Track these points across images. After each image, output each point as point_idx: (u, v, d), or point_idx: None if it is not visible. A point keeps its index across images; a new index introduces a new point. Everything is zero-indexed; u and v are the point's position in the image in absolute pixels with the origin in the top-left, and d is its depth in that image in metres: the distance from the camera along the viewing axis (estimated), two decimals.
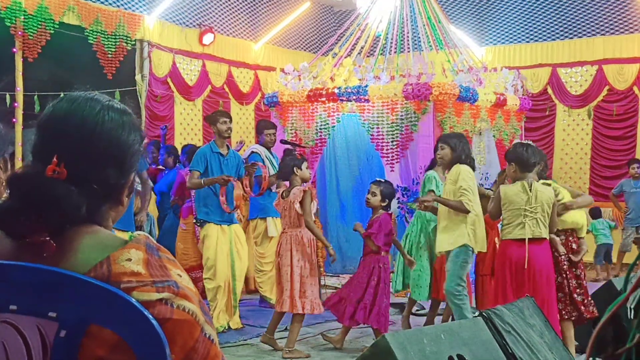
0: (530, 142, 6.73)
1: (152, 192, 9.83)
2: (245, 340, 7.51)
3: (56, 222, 1.40)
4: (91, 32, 10.94)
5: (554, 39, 13.81)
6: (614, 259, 12.12)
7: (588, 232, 11.96)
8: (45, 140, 1.51)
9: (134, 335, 1.32)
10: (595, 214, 11.66)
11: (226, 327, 7.79)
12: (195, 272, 9.19)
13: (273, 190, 8.80)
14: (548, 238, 6.40)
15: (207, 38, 12.78)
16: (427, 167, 8.04)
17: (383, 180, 7.47)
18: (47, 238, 1.39)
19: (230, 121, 8.01)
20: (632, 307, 1.21)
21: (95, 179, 1.48)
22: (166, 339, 1.33)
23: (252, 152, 8.97)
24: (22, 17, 10.04)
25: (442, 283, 7.56)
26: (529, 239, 6.30)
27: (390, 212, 7.40)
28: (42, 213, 1.39)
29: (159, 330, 1.32)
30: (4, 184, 2.37)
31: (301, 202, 6.94)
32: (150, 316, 1.32)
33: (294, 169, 6.99)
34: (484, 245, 6.87)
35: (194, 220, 8.29)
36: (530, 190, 6.31)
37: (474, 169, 6.95)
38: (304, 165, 7.09)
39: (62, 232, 1.42)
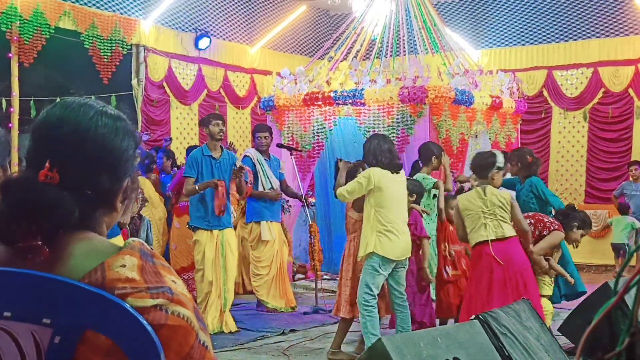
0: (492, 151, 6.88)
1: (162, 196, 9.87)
2: (241, 344, 7.50)
3: (49, 227, 1.40)
4: (87, 36, 10.95)
5: (549, 42, 13.84)
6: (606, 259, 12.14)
7: (609, 226, 11.97)
8: (39, 146, 1.51)
9: (128, 341, 1.32)
10: (623, 210, 11.55)
11: (215, 332, 7.76)
12: (188, 274, 9.22)
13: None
14: (515, 235, 6.39)
15: (203, 42, 12.79)
16: (411, 172, 7.94)
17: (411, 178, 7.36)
18: (40, 243, 1.39)
19: (223, 123, 8.02)
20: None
21: (88, 184, 1.48)
22: (161, 345, 1.33)
23: (245, 155, 8.97)
24: (18, 22, 10.05)
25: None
26: (492, 240, 6.30)
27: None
28: (34, 218, 1.39)
29: (153, 336, 1.32)
30: None
31: (354, 207, 6.89)
32: (145, 322, 1.33)
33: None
34: (398, 253, 6.50)
35: (187, 226, 8.30)
36: (485, 195, 6.36)
37: (392, 168, 6.57)
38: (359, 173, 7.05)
39: (55, 237, 1.42)
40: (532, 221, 6.94)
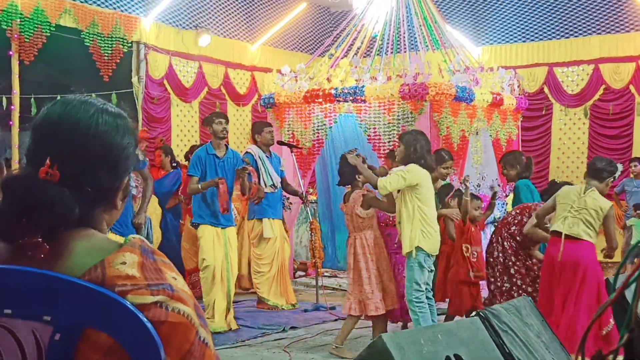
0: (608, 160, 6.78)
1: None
2: (242, 341, 7.50)
3: (49, 224, 1.41)
4: (87, 34, 10.94)
5: (550, 39, 13.82)
6: (619, 258, 12.08)
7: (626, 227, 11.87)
8: (39, 143, 1.51)
9: (128, 339, 1.32)
10: None
11: (225, 329, 7.79)
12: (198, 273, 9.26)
13: (267, 191, 8.80)
14: (591, 241, 6.41)
15: (204, 40, 12.78)
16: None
17: None
18: (40, 240, 1.39)
19: (226, 122, 8.01)
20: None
21: (88, 181, 1.49)
22: (161, 341, 1.33)
23: (247, 152, 8.97)
24: (19, 19, 10.04)
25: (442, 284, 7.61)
26: (565, 235, 6.37)
27: None
28: (35, 215, 1.40)
29: (153, 333, 1.32)
30: None
31: (362, 205, 6.91)
32: (145, 319, 1.33)
33: (356, 175, 6.97)
34: (435, 248, 6.63)
35: (190, 224, 8.29)
36: (583, 194, 6.44)
37: (429, 169, 6.65)
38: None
39: (55, 235, 1.42)
40: (519, 211, 7.23)
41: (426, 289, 6.65)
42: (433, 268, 7.46)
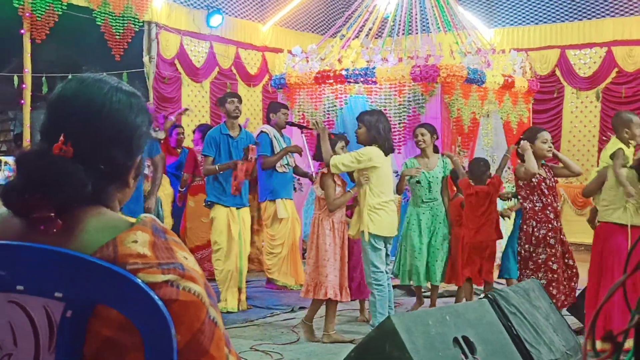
0: None
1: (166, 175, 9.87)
2: (251, 321, 7.54)
3: (61, 199, 1.42)
4: (99, 13, 10.93)
5: (562, 21, 13.73)
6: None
7: None
8: (53, 120, 1.53)
9: (139, 316, 1.33)
10: None
11: (237, 310, 7.83)
12: (202, 252, 9.29)
13: (280, 171, 8.80)
14: None
15: (215, 20, 12.75)
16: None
17: None
18: (53, 215, 1.40)
19: (239, 101, 8.04)
20: None
21: (101, 159, 1.50)
22: (172, 320, 1.34)
23: (261, 131, 8.97)
24: None
25: (455, 269, 7.62)
26: (631, 225, 5.97)
27: None
28: (48, 190, 1.41)
29: (164, 311, 1.33)
30: None
31: (322, 185, 6.89)
32: (156, 297, 1.34)
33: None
34: (392, 229, 6.60)
35: (204, 203, 8.30)
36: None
37: (390, 150, 6.64)
38: (338, 145, 6.95)
39: (68, 211, 1.43)
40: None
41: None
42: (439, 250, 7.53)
